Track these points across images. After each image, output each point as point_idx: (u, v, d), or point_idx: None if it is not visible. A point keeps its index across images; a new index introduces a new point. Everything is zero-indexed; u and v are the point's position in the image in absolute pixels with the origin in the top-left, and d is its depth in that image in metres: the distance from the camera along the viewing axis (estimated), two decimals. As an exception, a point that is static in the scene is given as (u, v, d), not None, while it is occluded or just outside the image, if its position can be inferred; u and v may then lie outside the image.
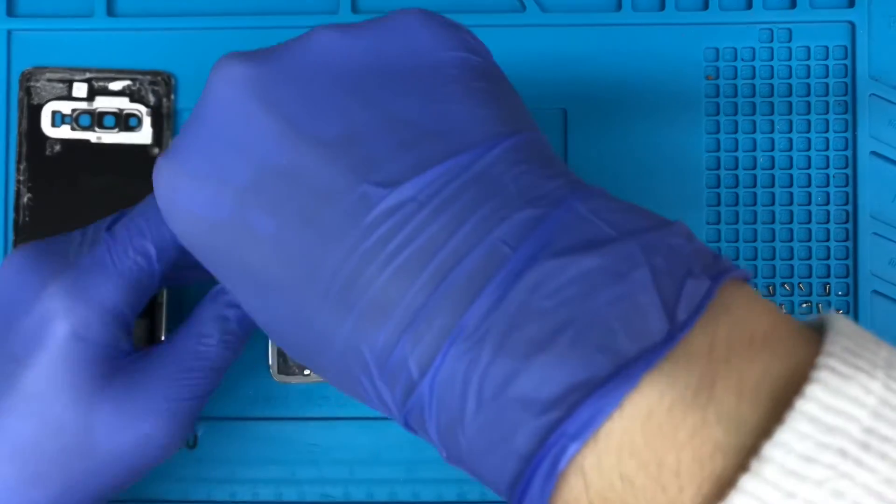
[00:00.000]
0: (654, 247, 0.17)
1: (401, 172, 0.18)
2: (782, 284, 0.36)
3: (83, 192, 0.36)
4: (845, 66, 0.37)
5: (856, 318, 0.36)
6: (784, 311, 0.18)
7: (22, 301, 0.28)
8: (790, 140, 0.36)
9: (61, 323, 0.27)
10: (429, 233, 0.17)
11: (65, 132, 0.36)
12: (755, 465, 0.15)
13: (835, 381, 0.15)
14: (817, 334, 0.17)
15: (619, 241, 0.17)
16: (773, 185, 0.36)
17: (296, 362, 0.36)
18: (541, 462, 0.16)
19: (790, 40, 0.37)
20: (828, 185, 0.36)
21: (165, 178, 0.22)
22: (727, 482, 0.15)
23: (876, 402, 0.15)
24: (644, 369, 0.15)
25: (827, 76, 0.37)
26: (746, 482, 0.15)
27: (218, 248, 0.21)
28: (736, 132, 0.37)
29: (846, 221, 0.36)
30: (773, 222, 0.36)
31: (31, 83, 0.36)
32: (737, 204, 0.36)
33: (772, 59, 0.37)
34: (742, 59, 0.37)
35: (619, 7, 0.37)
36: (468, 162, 0.18)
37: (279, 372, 0.36)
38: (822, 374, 0.15)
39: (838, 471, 0.15)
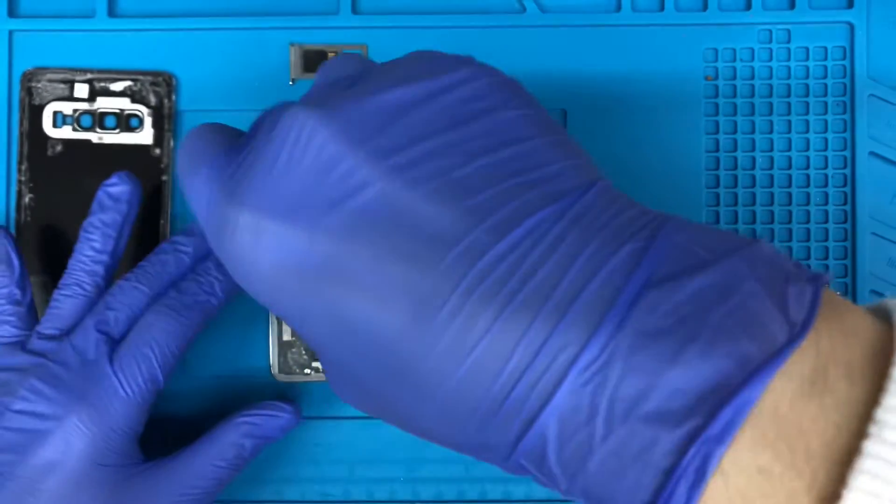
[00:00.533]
0: (754, 261, 0.18)
1: (508, 219, 0.19)
2: (781, 284, 0.36)
3: (84, 193, 0.36)
4: (844, 66, 0.37)
5: (854, 317, 0.36)
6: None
7: (36, 431, 0.30)
8: (789, 140, 0.37)
9: (83, 454, 0.30)
10: (544, 272, 0.18)
11: (66, 133, 0.36)
12: (873, 429, 0.16)
13: None
14: (886, 320, 0.19)
15: (723, 260, 0.18)
16: (771, 186, 0.37)
17: (296, 361, 0.36)
18: (685, 471, 0.17)
19: (789, 41, 0.37)
20: (826, 185, 0.37)
21: (247, 225, 0.21)
22: (853, 455, 0.16)
23: None
24: (775, 369, 0.17)
25: (825, 77, 0.37)
26: (870, 446, 0.16)
27: (307, 301, 0.20)
28: (735, 132, 0.37)
29: (845, 221, 0.36)
30: (771, 222, 0.37)
31: (33, 84, 0.36)
32: (735, 204, 0.37)
33: (771, 59, 0.37)
34: (741, 60, 0.37)
35: (618, 8, 0.37)
36: (567, 206, 0.19)
37: (280, 371, 0.36)
38: None
39: None
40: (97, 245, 0.33)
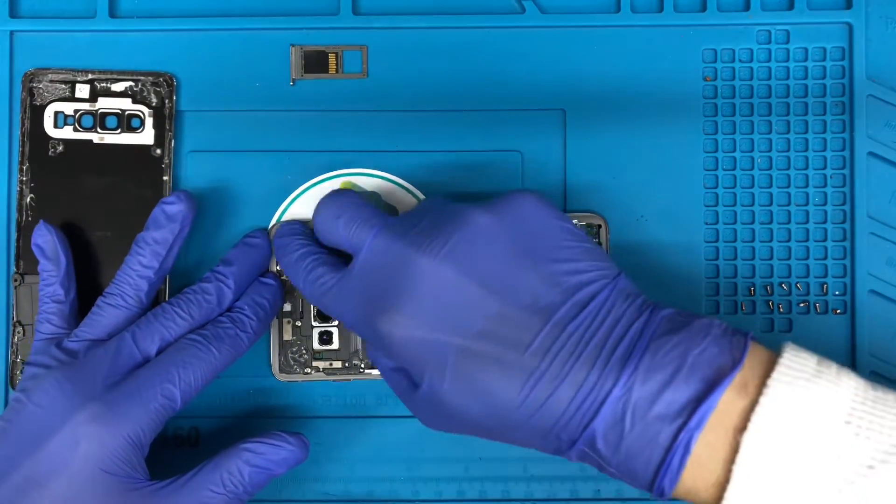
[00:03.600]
0: (710, 323, 0.29)
1: (574, 308, 0.29)
2: (780, 284, 0.37)
3: (85, 193, 0.36)
4: (843, 67, 0.37)
5: (853, 317, 0.36)
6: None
7: (49, 424, 0.31)
8: (788, 141, 0.37)
9: (90, 454, 0.30)
10: (599, 335, 0.29)
11: (67, 133, 0.36)
12: (765, 391, 0.28)
13: (793, 351, 0.29)
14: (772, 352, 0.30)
15: (691, 325, 0.29)
16: (770, 186, 0.37)
17: (297, 361, 0.36)
18: (679, 446, 0.28)
19: (788, 42, 0.37)
20: (825, 185, 0.37)
21: (414, 334, 0.29)
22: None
23: (816, 359, 0.29)
24: (726, 387, 0.28)
25: (824, 77, 0.37)
26: (762, 398, 0.27)
27: (457, 357, 0.29)
28: (734, 133, 0.37)
29: (843, 221, 0.37)
30: (770, 222, 0.37)
31: (34, 84, 0.36)
32: (734, 204, 0.37)
33: (769, 60, 0.37)
34: (740, 61, 0.37)
35: (617, 9, 0.37)
36: (607, 296, 0.29)
37: (280, 371, 0.36)
38: (787, 348, 0.29)
39: (808, 381, 0.28)
40: (144, 260, 0.34)
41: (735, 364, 0.28)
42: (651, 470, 0.28)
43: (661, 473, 0.28)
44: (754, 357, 0.29)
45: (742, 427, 0.27)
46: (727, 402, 0.28)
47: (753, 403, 0.27)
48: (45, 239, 0.34)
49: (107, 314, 0.33)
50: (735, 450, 0.27)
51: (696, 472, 0.28)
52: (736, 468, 0.27)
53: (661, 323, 0.29)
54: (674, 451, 0.28)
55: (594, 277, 0.30)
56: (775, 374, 0.28)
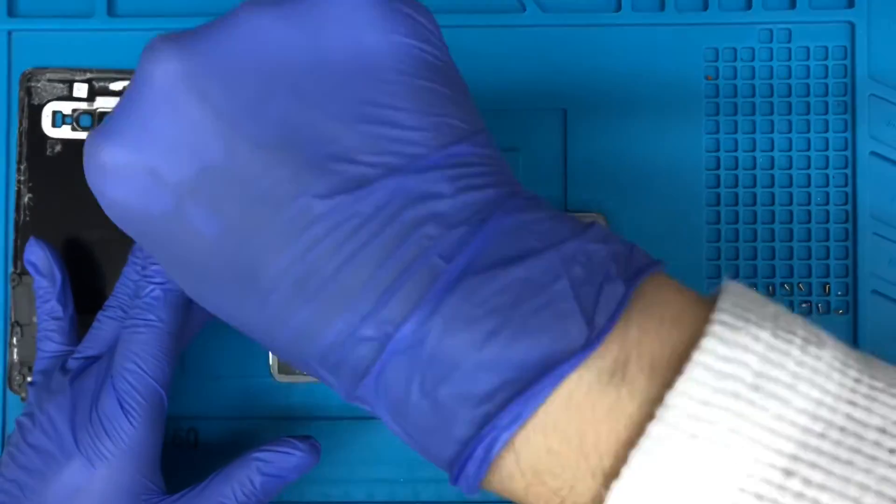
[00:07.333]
0: (573, 257, 0.19)
1: (342, 185, 0.18)
2: (782, 284, 0.36)
3: (84, 193, 0.36)
4: (845, 66, 0.37)
5: (855, 317, 0.36)
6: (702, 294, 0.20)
7: (56, 454, 0.30)
8: (790, 140, 0.37)
9: (108, 477, 0.29)
10: (369, 251, 0.18)
11: (65, 132, 0.36)
12: (660, 412, 0.17)
13: (727, 334, 0.17)
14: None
15: (541, 254, 0.18)
16: (772, 185, 0.36)
17: (296, 362, 0.36)
18: (476, 447, 0.18)
19: (790, 41, 0.37)
20: (827, 184, 0.37)
21: (99, 159, 0.21)
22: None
23: (764, 348, 0.17)
24: (567, 372, 0.18)
25: (826, 76, 0.37)
26: (653, 427, 0.17)
27: (153, 238, 0.21)
28: (735, 132, 0.37)
29: (846, 221, 0.36)
30: (772, 222, 0.36)
31: (32, 83, 0.36)
32: (736, 204, 0.36)
33: (771, 59, 0.37)
34: (742, 60, 0.37)
35: (618, 7, 0.37)
36: (407, 180, 0.19)
37: (280, 371, 0.36)
38: (715, 328, 0.18)
39: (732, 411, 0.17)
40: (140, 270, 0.32)
41: (596, 335, 0.17)
42: (444, 462, 0.19)
43: (457, 473, 0.19)
44: (653, 315, 0.18)
45: (616, 437, 0.17)
46: (580, 389, 0.18)
47: (645, 397, 0.17)
48: (37, 255, 0.33)
49: (107, 328, 0.32)
50: (612, 468, 0.17)
51: (526, 480, 0.18)
52: (613, 492, 0.17)
53: (494, 240, 0.18)
54: (470, 452, 0.18)
55: (416, 138, 0.19)
56: (684, 380, 0.17)
